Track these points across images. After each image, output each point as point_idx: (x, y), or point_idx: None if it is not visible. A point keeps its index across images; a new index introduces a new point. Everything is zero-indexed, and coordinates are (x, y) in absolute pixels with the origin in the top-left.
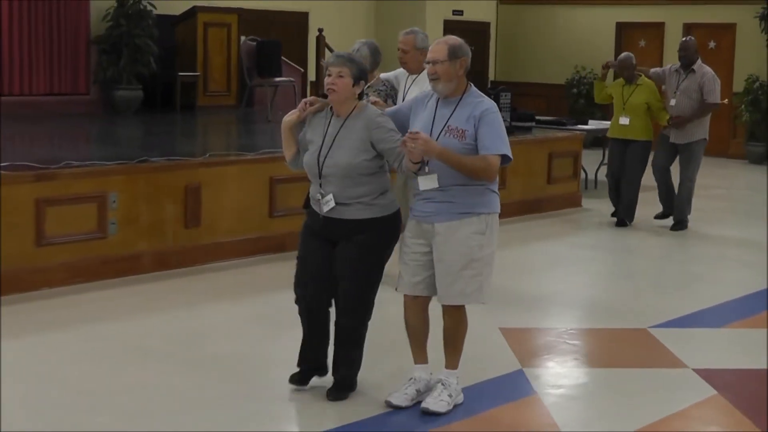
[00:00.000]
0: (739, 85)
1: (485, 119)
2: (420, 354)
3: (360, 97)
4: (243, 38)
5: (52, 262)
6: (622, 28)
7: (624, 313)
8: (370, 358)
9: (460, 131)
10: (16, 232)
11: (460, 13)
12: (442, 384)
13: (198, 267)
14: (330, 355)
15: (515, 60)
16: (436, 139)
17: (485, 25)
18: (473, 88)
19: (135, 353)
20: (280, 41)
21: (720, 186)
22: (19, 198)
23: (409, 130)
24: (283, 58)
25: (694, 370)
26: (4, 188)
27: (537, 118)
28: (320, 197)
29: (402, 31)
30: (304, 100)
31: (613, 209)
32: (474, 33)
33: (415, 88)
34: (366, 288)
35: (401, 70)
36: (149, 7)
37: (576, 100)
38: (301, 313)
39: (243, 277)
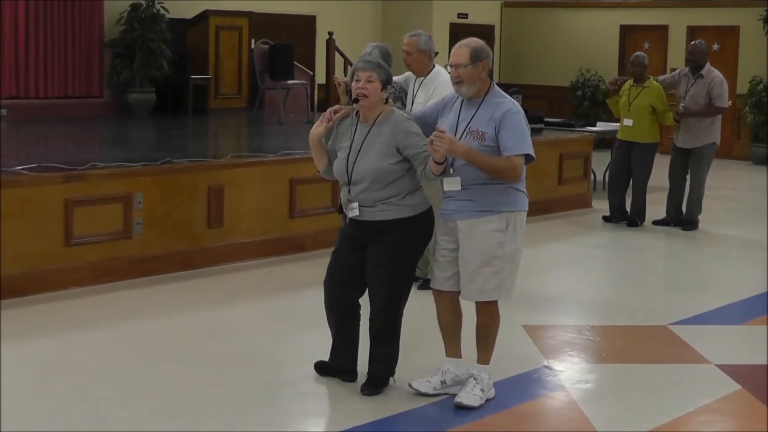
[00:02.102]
0: (742, 87)
1: (506, 121)
2: (451, 347)
3: (386, 101)
4: (254, 42)
5: (80, 261)
6: (626, 30)
7: (642, 310)
8: (403, 354)
9: (480, 133)
10: (46, 232)
11: (465, 16)
12: (474, 378)
13: (220, 267)
14: (358, 364)
15: (520, 62)
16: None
17: (490, 28)
18: (496, 88)
19: (160, 351)
20: (292, 44)
21: (725, 187)
22: (49, 198)
23: (437, 128)
24: None
25: (716, 365)
26: (34, 189)
27: (545, 119)
28: (347, 203)
29: (406, 34)
30: (329, 109)
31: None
32: (479, 36)
33: (422, 90)
34: (395, 287)
35: (410, 72)
36: (162, 11)
37: (580, 102)
38: (328, 317)
39: (264, 277)
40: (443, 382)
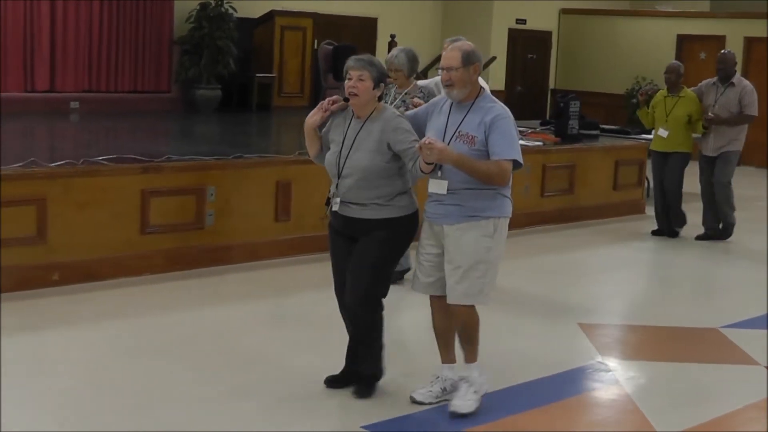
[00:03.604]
0: None
1: (495, 125)
2: (446, 353)
3: (379, 99)
4: (317, 42)
5: (154, 249)
6: (682, 40)
7: (693, 313)
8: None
9: (470, 137)
10: (123, 220)
11: (523, 21)
12: (466, 381)
13: (286, 259)
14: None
15: (576, 69)
16: (448, 144)
17: (547, 34)
18: (486, 92)
19: (228, 335)
20: (356, 46)
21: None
22: (127, 188)
23: (425, 137)
24: None
25: (766, 367)
26: (113, 179)
27: (601, 126)
28: (331, 196)
29: (447, 39)
30: (328, 98)
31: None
32: (536, 41)
33: None
34: (374, 279)
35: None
36: (230, 10)
37: (635, 109)
38: (343, 317)
39: (327, 270)
40: (444, 390)
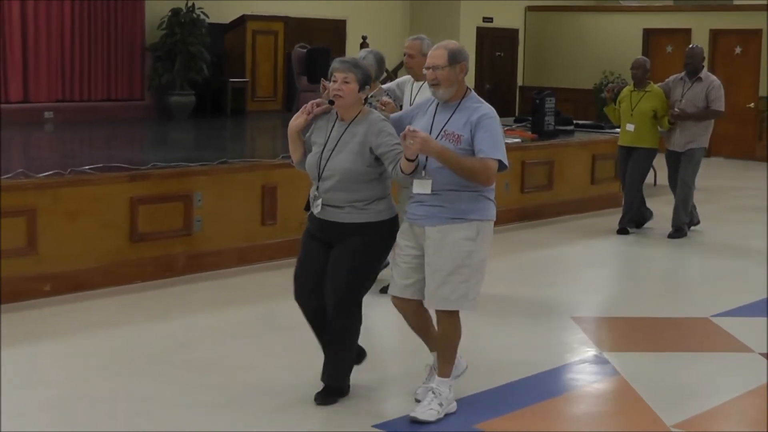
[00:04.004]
0: (764, 90)
1: (482, 124)
2: (431, 342)
3: (364, 102)
4: (288, 46)
5: (144, 256)
6: (649, 34)
7: (682, 303)
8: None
9: (456, 136)
10: (112, 229)
11: (490, 20)
12: (433, 392)
13: (274, 262)
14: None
15: (543, 65)
16: None
17: (514, 32)
18: (473, 93)
19: (225, 338)
20: (330, 48)
21: (751, 187)
22: (115, 197)
23: (408, 127)
24: None
25: (760, 354)
26: (102, 188)
27: (575, 122)
28: (312, 199)
29: (409, 37)
30: (311, 102)
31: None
32: (503, 39)
33: (422, 95)
34: (354, 288)
35: (405, 77)
36: (202, 16)
37: (604, 104)
38: (308, 322)
39: None
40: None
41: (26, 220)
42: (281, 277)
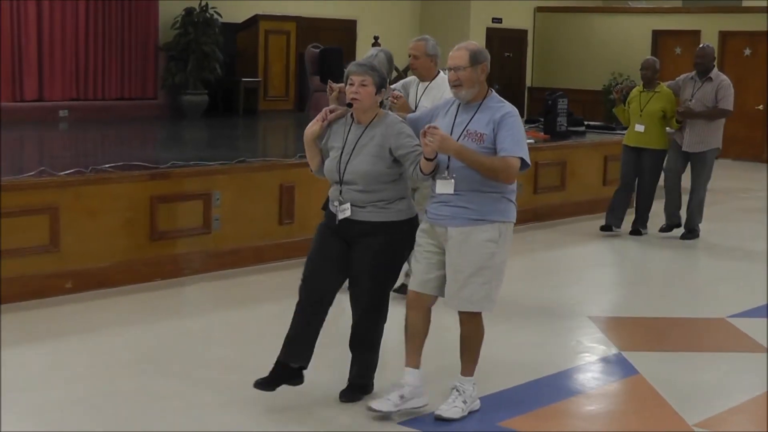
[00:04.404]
0: None
1: (505, 122)
2: (413, 357)
3: (380, 105)
4: (299, 45)
5: (163, 254)
6: (658, 35)
7: (698, 303)
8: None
9: (479, 135)
10: (133, 227)
11: (499, 20)
12: (457, 390)
13: (291, 261)
14: (311, 362)
15: (552, 66)
16: None
17: (523, 33)
18: (494, 93)
19: (247, 336)
20: (342, 48)
21: (759, 189)
22: (136, 195)
23: (428, 125)
24: None
25: None
26: (122, 186)
27: (586, 123)
28: (338, 204)
29: (413, 38)
30: (325, 108)
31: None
32: (512, 40)
33: (427, 95)
34: (379, 290)
35: (411, 78)
36: (215, 16)
37: (613, 105)
38: (298, 305)
39: None
40: (402, 397)
41: (49, 218)
42: (299, 276)
